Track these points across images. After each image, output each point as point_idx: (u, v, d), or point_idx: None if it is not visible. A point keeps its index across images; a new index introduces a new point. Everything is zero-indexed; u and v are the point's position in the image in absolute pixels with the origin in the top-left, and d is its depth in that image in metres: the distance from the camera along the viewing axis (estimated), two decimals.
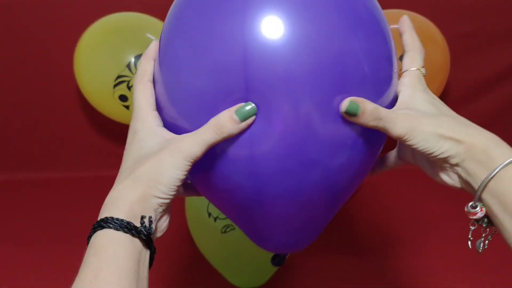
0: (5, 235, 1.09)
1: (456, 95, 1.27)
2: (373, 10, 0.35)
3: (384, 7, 1.20)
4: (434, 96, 0.37)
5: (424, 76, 0.38)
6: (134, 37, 0.98)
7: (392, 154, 0.43)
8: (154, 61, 0.37)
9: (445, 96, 1.26)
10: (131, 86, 0.96)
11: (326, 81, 0.32)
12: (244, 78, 0.31)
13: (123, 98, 0.98)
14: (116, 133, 1.31)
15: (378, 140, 0.38)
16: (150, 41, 0.99)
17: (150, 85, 0.37)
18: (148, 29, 1.01)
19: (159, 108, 0.37)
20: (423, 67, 0.38)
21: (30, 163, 1.34)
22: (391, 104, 0.37)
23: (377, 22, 0.35)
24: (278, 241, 0.42)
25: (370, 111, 0.33)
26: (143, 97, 0.36)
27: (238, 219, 0.42)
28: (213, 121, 0.32)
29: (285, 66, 0.31)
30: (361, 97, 0.33)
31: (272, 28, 0.31)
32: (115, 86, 0.96)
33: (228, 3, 0.32)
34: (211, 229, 0.78)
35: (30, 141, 1.32)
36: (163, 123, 0.36)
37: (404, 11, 1.03)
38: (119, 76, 0.96)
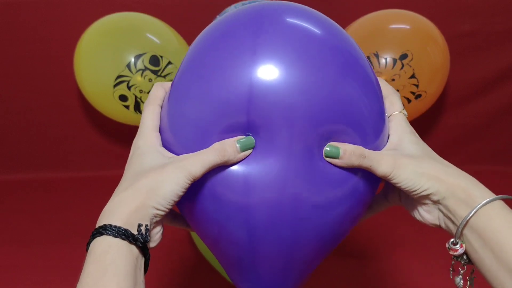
0: (5, 235, 1.09)
1: (456, 95, 1.27)
2: (360, 60, 0.38)
3: (384, 7, 1.20)
4: (419, 138, 0.39)
5: (406, 117, 0.41)
6: (134, 37, 0.98)
7: (377, 198, 0.45)
8: (166, 91, 0.40)
9: (445, 96, 1.27)
10: (131, 86, 0.97)
11: (323, 121, 0.35)
12: (247, 114, 0.35)
13: (123, 98, 0.98)
14: (116, 133, 1.32)
15: (369, 190, 0.40)
16: (150, 41, 1.00)
17: (159, 109, 0.39)
18: (148, 29, 1.01)
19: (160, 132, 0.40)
20: (403, 109, 0.41)
21: (30, 163, 1.34)
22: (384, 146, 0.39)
23: (365, 70, 0.38)
24: (262, 285, 0.43)
25: (351, 151, 0.36)
26: (150, 118, 0.39)
27: (225, 259, 0.43)
28: (218, 144, 0.35)
29: (285, 106, 0.34)
30: (359, 137, 0.37)
31: (275, 72, 0.35)
32: (115, 86, 0.96)
33: (239, 48, 0.36)
34: None
35: (30, 141, 1.32)
36: None
37: (404, 11, 1.04)
38: (119, 76, 0.96)
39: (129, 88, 0.97)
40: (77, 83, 1.06)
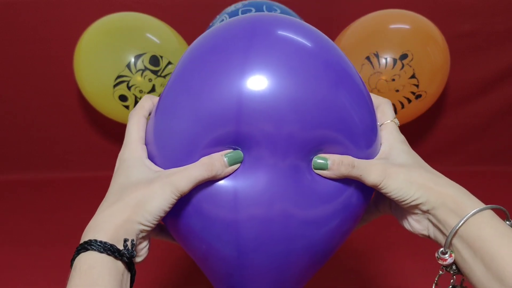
0: (5, 235, 1.09)
1: (456, 95, 1.27)
2: (351, 73, 0.37)
3: (384, 7, 1.20)
4: (410, 147, 0.39)
5: (398, 126, 0.40)
6: (134, 37, 0.98)
7: (368, 207, 0.45)
8: (154, 104, 0.39)
9: (445, 96, 1.27)
10: (131, 86, 0.97)
11: (313, 130, 0.35)
12: (235, 126, 0.34)
13: (123, 98, 0.98)
14: (116, 133, 1.31)
15: (362, 203, 0.39)
16: (150, 41, 1.00)
17: (144, 120, 0.38)
18: (148, 29, 1.01)
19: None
20: (395, 118, 0.40)
21: (30, 163, 1.34)
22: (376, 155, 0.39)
23: (356, 82, 0.37)
24: None
25: (340, 160, 0.36)
26: (135, 129, 0.37)
27: (213, 275, 0.42)
28: (205, 159, 0.34)
29: (274, 117, 0.34)
30: (351, 146, 0.36)
31: (264, 83, 0.34)
32: (115, 86, 0.97)
33: (229, 60, 0.35)
34: None
35: (30, 141, 1.32)
36: None
37: (404, 11, 1.04)
38: (119, 76, 0.96)
39: (129, 88, 0.97)
40: (77, 83, 1.06)
